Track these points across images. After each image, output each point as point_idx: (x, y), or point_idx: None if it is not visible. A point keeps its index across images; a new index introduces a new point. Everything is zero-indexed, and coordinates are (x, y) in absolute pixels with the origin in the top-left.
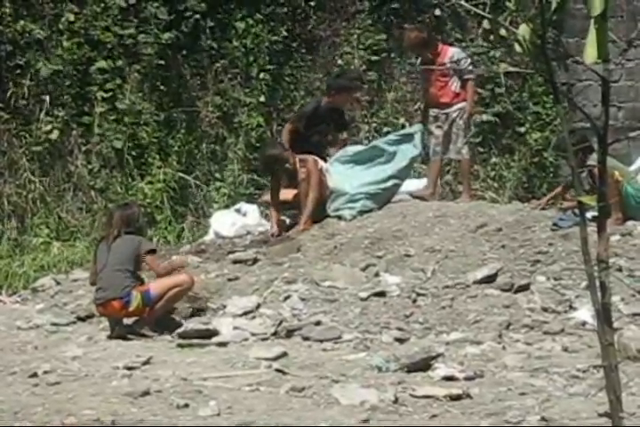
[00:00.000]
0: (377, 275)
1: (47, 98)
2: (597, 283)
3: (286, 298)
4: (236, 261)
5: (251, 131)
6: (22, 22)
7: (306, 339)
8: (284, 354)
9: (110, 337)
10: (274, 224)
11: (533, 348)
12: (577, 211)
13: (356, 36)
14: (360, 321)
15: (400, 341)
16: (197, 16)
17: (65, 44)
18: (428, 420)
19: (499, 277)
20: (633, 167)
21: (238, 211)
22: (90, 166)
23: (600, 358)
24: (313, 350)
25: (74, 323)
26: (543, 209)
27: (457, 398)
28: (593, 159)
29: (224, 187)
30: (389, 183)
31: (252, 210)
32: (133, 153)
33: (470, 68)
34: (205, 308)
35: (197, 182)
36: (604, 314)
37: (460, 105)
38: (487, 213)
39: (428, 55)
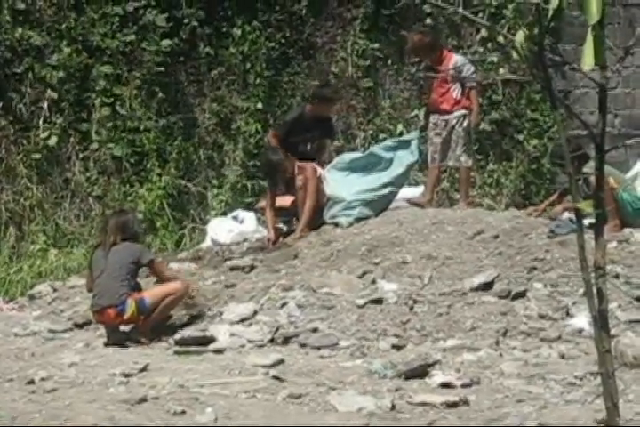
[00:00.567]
0: (374, 282)
1: (45, 104)
2: (594, 290)
3: (283, 305)
4: (232, 268)
5: (248, 137)
6: (21, 29)
7: (303, 346)
8: (281, 361)
9: (107, 344)
10: (270, 229)
11: (530, 355)
12: (574, 218)
13: (351, 43)
14: (357, 328)
15: (397, 348)
16: (195, 23)
17: (64, 50)
18: None
19: (495, 284)
20: (630, 174)
21: (235, 218)
22: (87, 173)
23: (597, 365)
24: (310, 357)
25: (71, 330)
26: (539, 216)
27: (454, 405)
28: (588, 167)
29: (221, 194)
30: (386, 190)
31: (249, 217)
32: (132, 160)
33: (474, 76)
34: (202, 315)
35: (199, 189)
36: (600, 321)
37: (459, 112)
38: (484, 220)
39: (430, 60)
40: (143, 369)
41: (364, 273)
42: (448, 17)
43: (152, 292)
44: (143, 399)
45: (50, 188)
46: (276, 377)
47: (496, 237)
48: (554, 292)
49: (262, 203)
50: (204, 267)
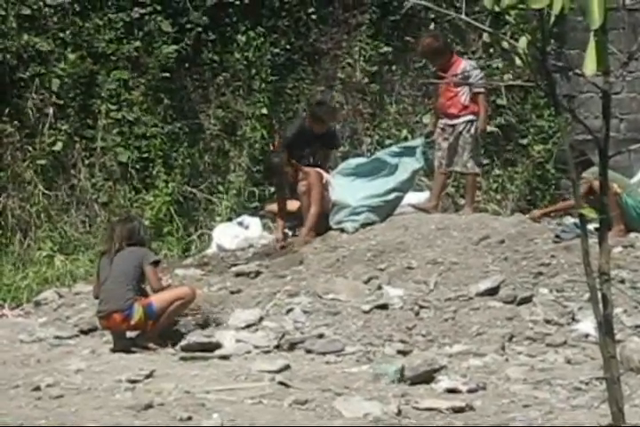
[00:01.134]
0: (379, 287)
1: (51, 111)
2: (599, 295)
3: (289, 311)
4: (238, 274)
5: (253, 143)
6: (26, 36)
7: (308, 352)
8: (287, 367)
9: (113, 350)
10: (279, 231)
11: (536, 360)
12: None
13: (357, 49)
14: (363, 334)
15: (403, 353)
16: (199, 29)
17: (69, 57)
18: None
19: (501, 289)
20: (634, 180)
21: (241, 224)
22: (93, 180)
23: (603, 370)
24: (316, 362)
25: (77, 336)
26: (539, 218)
27: (460, 410)
28: (590, 172)
29: (227, 200)
30: (392, 196)
31: (254, 223)
32: (138, 166)
33: (482, 81)
34: (208, 321)
35: (206, 195)
36: (605, 326)
37: (467, 117)
38: (489, 226)
39: (439, 65)
40: (149, 375)
41: (370, 279)
42: (453, 22)
43: (160, 297)
44: (149, 406)
45: (56, 194)
46: (281, 383)
47: (502, 242)
48: (560, 297)
49: (269, 206)
50: (210, 273)
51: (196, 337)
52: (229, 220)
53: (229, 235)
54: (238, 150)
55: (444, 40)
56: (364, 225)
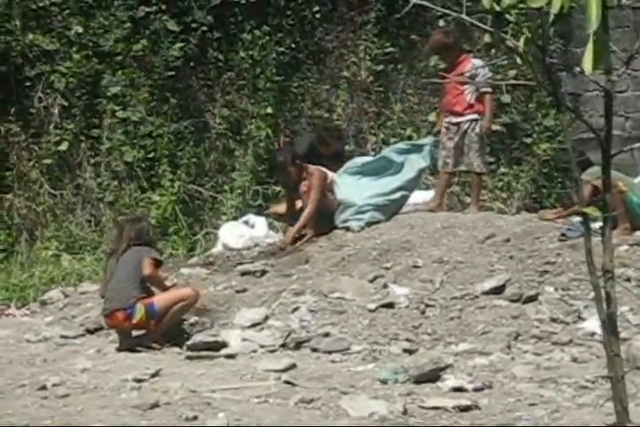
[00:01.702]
0: (385, 286)
1: (56, 110)
2: (603, 293)
3: (294, 310)
4: (244, 273)
5: (259, 142)
6: (32, 35)
7: (314, 350)
8: (293, 366)
9: (119, 350)
10: (290, 235)
11: (542, 358)
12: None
13: (362, 47)
14: (368, 332)
15: (409, 352)
16: (204, 28)
17: (74, 56)
18: None
19: (507, 287)
20: (639, 179)
21: (246, 223)
22: (99, 179)
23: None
24: (321, 361)
25: (82, 335)
26: (547, 220)
27: (466, 409)
28: (589, 173)
29: (232, 199)
30: (397, 195)
31: (260, 222)
32: (143, 165)
33: (489, 81)
34: (214, 320)
35: (211, 193)
36: (609, 324)
37: (471, 116)
38: (495, 224)
39: (447, 62)
40: (155, 374)
41: (376, 277)
42: (459, 21)
43: (162, 297)
44: (155, 405)
45: (61, 193)
46: (287, 382)
47: (507, 240)
48: (565, 295)
49: (274, 208)
50: (215, 272)
51: (201, 336)
52: (235, 219)
53: (235, 234)
54: (243, 149)
55: (454, 37)
56: (369, 224)
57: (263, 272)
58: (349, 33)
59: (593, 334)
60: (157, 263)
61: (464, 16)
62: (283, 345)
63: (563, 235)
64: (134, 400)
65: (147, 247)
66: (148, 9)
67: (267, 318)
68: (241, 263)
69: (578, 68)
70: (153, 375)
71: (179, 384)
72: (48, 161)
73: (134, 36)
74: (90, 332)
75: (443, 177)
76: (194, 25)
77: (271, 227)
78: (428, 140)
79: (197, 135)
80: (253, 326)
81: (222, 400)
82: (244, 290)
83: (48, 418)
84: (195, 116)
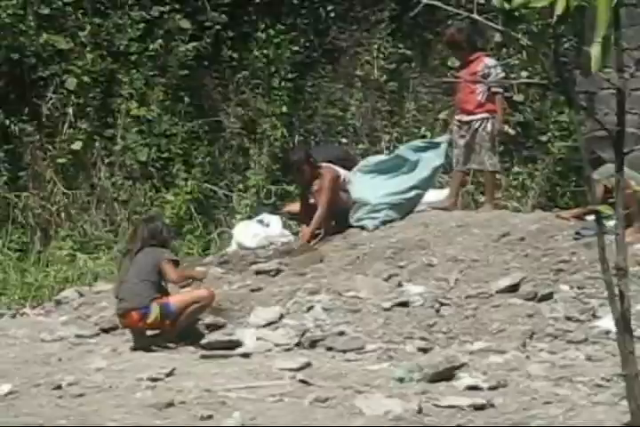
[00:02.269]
0: (400, 285)
1: (70, 110)
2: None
3: (309, 308)
4: (258, 272)
5: (273, 141)
6: (45, 35)
7: (329, 349)
8: (308, 365)
9: (134, 349)
10: (305, 237)
11: (557, 357)
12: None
13: (376, 46)
14: (383, 331)
15: (424, 350)
16: (218, 27)
17: (88, 55)
18: None
19: (522, 286)
20: None
21: (261, 222)
22: (113, 179)
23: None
24: (336, 360)
25: (97, 335)
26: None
27: (481, 407)
28: (599, 173)
29: (247, 198)
30: (412, 193)
31: (274, 220)
32: (157, 165)
33: (501, 80)
34: (229, 319)
35: (225, 192)
36: (623, 323)
37: (482, 115)
38: (510, 223)
39: (460, 59)
40: (170, 374)
41: (390, 276)
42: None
43: (178, 297)
44: (170, 404)
45: (76, 193)
46: (302, 381)
47: (522, 239)
48: (580, 294)
49: (288, 207)
50: (230, 271)
51: (216, 335)
52: (249, 218)
53: (250, 233)
54: (258, 148)
55: (467, 34)
56: (384, 222)
57: (278, 271)
58: (363, 32)
59: (608, 332)
60: (175, 263)
61: (474, 15)
62: (297, 344)
63: (577, 233)
64: (149, 400)
65: (161, 248)
66: (161, 8)
67: (281, 316)
68: (255, 262)
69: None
70: (168, 375)
71: (193, 383)
72: (62, 160)
73: (149, 36)
74: (105, 331)
75: (456, 175)
76: (207, 24)
77: (285, 226)
78: (445, 138)
79: (212, 134)
80: (268, 324)
81: (237, 399)
82: (259, 289)
83: (63, 418)
84: (209, 115)
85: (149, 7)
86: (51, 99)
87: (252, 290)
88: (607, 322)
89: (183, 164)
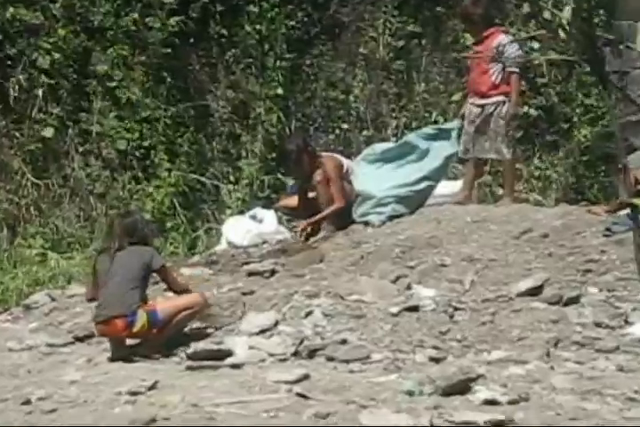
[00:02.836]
0: (409, 287)
1: (40, 92)
2: None
3: (308, 314)
4: (251, 274)
5: (269, 127)
6: (12, 9)
7: (330, 359)
8: (306, 377)
9: (112, 359)
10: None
11: (585, 367)
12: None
13: (382, 21)
14: (391, 339)
15: (435, 360)
16: (205, 0)
17: (60, 31)
18: None
19: (545, 288)
20: None
21: (254, 217)
22: (88, 169)
23: None
24: (338, 371)
25: (71, 344)
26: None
27: (499, 424)
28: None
29: (238, 190)
30: (422, 185)
31: (268, 216)
32: (138, 154)
33: (517, 59)
34: (218, 325)
35: (215, 183)
36: None
37: (497, 98)
38: (531, 218)
39: (474, 35)
40: (152, 387)
41: (398, 278)
42: None
43: (166, 304)
44: (152, 420)
45: (47, 185)
46: (300, 395)
47: (545, 236)
48: (610, 297)
49: (284, 201)
50: (220, 272)
51: (203, 344)
52: (241, 213)
53: (241, 230)
54: (251, 135)
55: (483, 8)
56: (391, 218)
57: (272, 272)
58: (367, 5)
59: None
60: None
61: None
62: (294, 354)
63: (607, 229)
64: (129, 415)
65: (147, 248)
66: None
67: (277, 323)
68: (248, 262)
69: (629, 43)
70: (150, 388)
71: (178, 398)
72: (31, 148)
73: (125, 9)
74: (79, 340)
75: (470, 165)
76: None
77: (281, 222)
78: (456, 123)
79: (198, 120)
80: (262, 332)
81: (227, 415)
82: (252, 292)
83: None
84: (195, 98)
85: None
86: (18, 80)
87: (244, 293)
88: None
89: (166, 152)
